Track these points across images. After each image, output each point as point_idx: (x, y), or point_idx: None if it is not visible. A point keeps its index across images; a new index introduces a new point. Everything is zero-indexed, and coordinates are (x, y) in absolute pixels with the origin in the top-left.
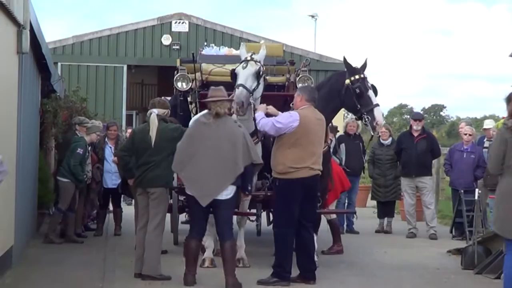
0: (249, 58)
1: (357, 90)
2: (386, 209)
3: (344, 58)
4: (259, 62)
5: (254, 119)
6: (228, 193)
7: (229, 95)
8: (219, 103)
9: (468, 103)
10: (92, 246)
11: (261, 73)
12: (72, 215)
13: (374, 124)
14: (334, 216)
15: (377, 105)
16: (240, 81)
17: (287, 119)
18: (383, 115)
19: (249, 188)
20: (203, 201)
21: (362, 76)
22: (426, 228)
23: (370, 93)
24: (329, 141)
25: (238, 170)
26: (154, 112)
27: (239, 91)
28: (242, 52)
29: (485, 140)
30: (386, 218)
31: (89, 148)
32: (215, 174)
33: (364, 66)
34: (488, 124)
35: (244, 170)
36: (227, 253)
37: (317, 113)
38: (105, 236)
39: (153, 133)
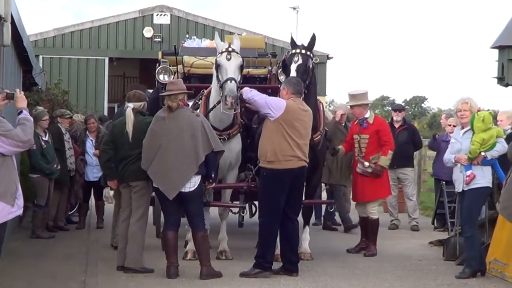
0: (230, 49)
1: (282, 66)
2: None
3: (291, 35)
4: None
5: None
6: (191, 185)
7: (207, 87)
8: (172, 97)
9: (449, 95)
10: (74, 239)
11: (243, 66)
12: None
13: None
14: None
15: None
16: (230, 74)
17: (276, 102)
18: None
19: (213, 176)
20: (169, 194)
21: (293, 51)
22: (408, 220)
23: (292, 66)
24: (322, 130)
25: (199, 160)
26: (130, 107)
27: (232, 85)
28: (218, 41)
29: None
30: None
31: (67, 138)
32: (179, 166)
33: (309, 42)
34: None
35: (206, 158)
36: (199, 244)
37: (303, 104)
38: (87, 229)
39: (129, 127)
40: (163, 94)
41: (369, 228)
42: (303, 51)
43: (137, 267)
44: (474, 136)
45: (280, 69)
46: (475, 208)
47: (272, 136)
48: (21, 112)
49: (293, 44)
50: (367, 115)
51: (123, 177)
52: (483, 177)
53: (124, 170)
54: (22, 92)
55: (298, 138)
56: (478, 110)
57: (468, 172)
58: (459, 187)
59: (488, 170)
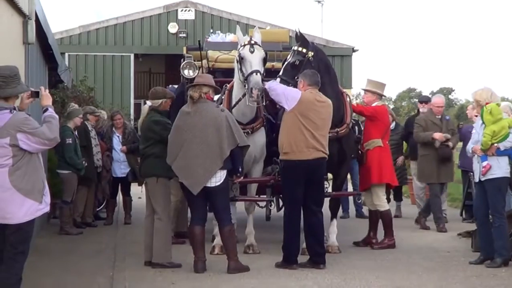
0: (253, 42)
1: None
2: (393, 193)
3: (296, 31)
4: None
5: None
6: (217, 180)
7: (231, 81)
8: (196, 88)
9: (476, 86)
10: (102, 235)
11: (266, 58)
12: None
13: None
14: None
15: (278, 76)
16: (255, 66)
17: (291, 93)
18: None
19: (240, 170)
20: (194, 189)
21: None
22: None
23: (284, 64)
24: (348, 122)
25: (223, 155)
26: (148, 103)
27: (258, 77)
28: (239, 35)
29: None
30: (395, 203)
31: (93, 134)
32: (203, 161)
33: (300, 39)
34: None
35: (232, 153)
36: (226, 238)
37: (320, 96)
38: (115, 225)
39: (139, 123)
40: (188, 85)
41: (383, 221)
42: (295, 48)
43: (164, 262)
44: (485, 129)
45: None
46: (498, 198)
47: (287, 128)
48: (46, 110)
49: (296, 40)
50: (374, 104)
51: (140, 173)
52: (499, 168)
53: (140, 166)
54: (47, 90)
55: (314, 129)
56: (487, 103)
57: (484, 163)
58: (476, 177)
59: (504, 160)
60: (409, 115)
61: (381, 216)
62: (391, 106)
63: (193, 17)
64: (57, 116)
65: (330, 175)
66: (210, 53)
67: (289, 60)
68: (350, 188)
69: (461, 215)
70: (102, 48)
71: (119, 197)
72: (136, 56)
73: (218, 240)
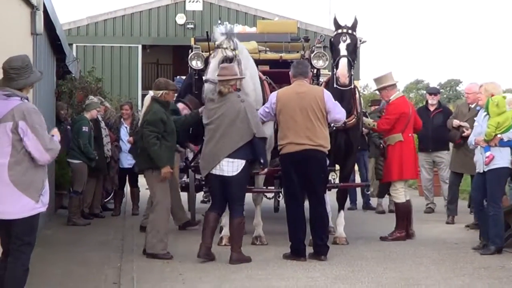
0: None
1: (330, 46)
2: (385, 187)
3: (334, 16)
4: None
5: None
6: (234, 169)
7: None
8: (224, 82)
9: (484, 78)
10: (110, 226)
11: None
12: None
13: (335, 73)
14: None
15: (343, 56)
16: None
17: (268, 102)
18: (350, 66)
19: (262, 161)
20: (202, 173)
21: (340, 31)
22: (444, 203)
23: (341, 45)
24: (356, 113)
25: (233, 146)
26: (150, 94)
27: None
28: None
29: None
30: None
31: (103, 125)
32: (213, 148)
33: (353, 23)
34: None
35: (253, 144)
36: (235, 229)
37: (301, 87)
38: (123, 215)
39: (141, 113)
40: (219, 79)
41: (396, 212)
42: (350, 31)
43: (153, 252)
44: (490, 120)
45: (313, 54)
46: (497, 188)
47: (278, 127)
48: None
49: (337, 24)
50: (392, 97)
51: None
52: (502, 158)
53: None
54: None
55: (291, 123)
56: (492, 95)
57: (487, 154)
58: (479, 168)
59: (506, 151)
60: (417, 106)
61: (396, 208)
62: None
63: (201, 8)
64: (59, 146)
65: (337, 166)
66: None
67: (347, 42)
68: (358, 179)
69: (469, 206)
70: (110, 39)
71: (127, 188)
72: (143, 47)
73: (226, 231)
